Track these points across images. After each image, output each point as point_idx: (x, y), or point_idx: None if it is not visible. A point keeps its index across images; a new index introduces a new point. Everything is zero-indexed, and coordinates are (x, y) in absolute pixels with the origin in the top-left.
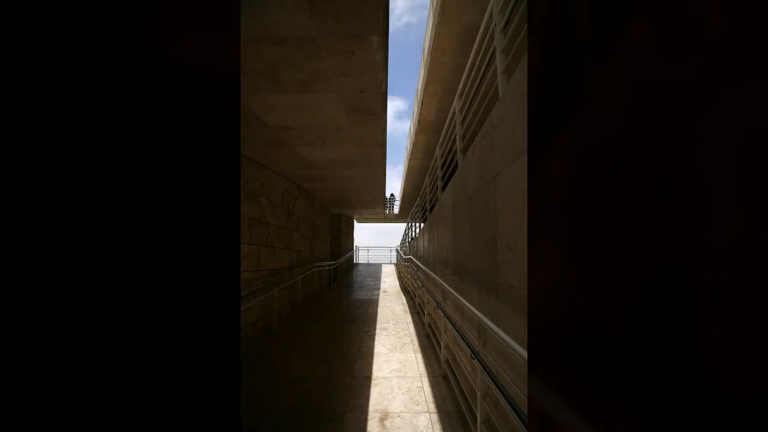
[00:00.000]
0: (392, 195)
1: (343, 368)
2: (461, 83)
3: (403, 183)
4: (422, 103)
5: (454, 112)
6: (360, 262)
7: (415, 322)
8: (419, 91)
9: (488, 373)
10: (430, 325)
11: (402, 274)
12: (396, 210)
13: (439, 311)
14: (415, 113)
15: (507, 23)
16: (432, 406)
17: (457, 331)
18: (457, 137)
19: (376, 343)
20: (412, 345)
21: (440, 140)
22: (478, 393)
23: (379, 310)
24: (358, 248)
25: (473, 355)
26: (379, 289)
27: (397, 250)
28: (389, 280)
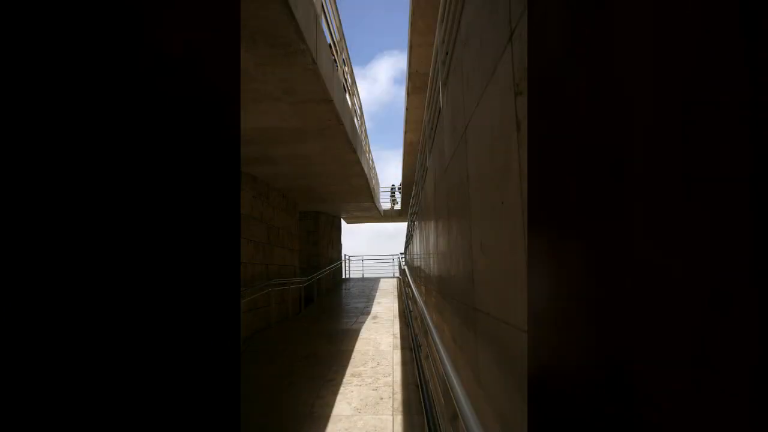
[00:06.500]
0: (393, 186)
1: None
2: None
3: (402, 168)
4: (411, 47)
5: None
6: (352, 276)
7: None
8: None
9: None
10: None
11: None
12: (399, 205)
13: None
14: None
15: None
16: None
17: None
18: None
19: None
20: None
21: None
22: None
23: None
24: (348, 258)
25: None
26: (375, 316)
27: (399, 258)
28: (387, 301)
